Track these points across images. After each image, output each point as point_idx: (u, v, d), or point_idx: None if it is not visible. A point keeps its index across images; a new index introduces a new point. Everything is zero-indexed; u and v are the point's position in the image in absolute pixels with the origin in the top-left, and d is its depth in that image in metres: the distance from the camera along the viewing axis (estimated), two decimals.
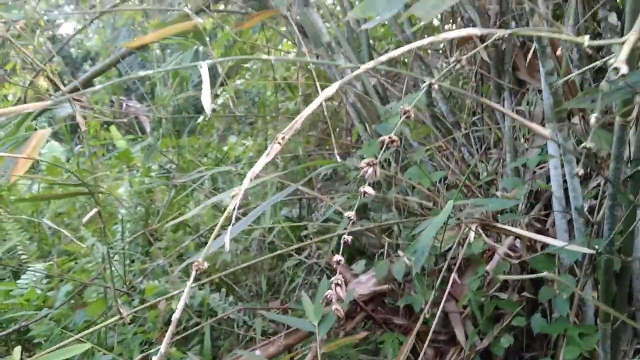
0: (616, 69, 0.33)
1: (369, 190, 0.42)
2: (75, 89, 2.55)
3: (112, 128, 3.29)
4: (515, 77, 1.47)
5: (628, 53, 0.34)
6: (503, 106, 1.48)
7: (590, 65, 0.91)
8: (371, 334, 1.37)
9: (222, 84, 3.66)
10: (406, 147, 1.73)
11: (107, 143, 3.25)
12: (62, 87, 2.52)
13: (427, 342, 0.96)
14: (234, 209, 0.46)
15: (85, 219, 0.74)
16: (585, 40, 0.42)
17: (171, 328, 0.45)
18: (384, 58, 0.60)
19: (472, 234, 0.98)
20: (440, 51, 1.73)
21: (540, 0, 1.12)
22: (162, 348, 0.42)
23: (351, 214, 0.43)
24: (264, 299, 1.84)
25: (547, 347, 1.29)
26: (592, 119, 0.38)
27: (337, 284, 0.42)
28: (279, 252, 1.20)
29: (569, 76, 0.96)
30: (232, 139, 3.27)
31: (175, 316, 0.42)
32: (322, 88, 2.01)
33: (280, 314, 1.28)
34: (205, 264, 0.50)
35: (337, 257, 0.42)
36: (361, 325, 1.37)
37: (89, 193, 1.06)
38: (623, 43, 0.36)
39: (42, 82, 3.36)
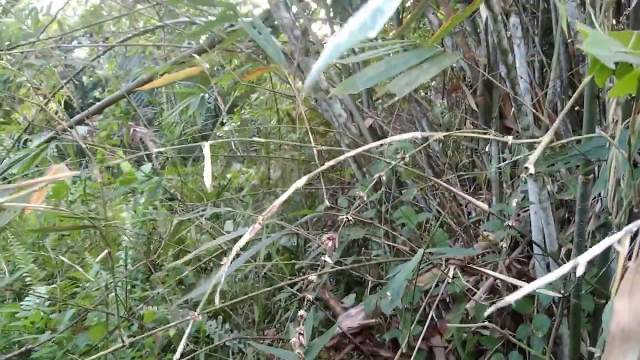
0: (527, 168, 0.43)
1: (329, 260, 0.52)
2: (86, 116, 2.67)
3: (119, 152, 3.41)
4: (502, 124, 1.58)
5: (539, 155, 0.44)
6: (490, 152, 1.58)
7: (510, 160, 1.02)
8: None
9: (228, 113, 3.79)
10: (403, 184, 1.83)
11: (112, 167, 3.37)
12: (71, 112, 2.64)
13: None
14: (233, 258, 0.55)
15: (98, 259, 0.83)
16: (509, 139, 0.52)
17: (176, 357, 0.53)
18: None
19: (450, 274, 1.06)
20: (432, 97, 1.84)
21: (520, 60, 1.22)
22: None
23: (314, 277, 0.52)
24: (260, 327, 1.92)
25: None
26: (524, 174, 0.46)
27: (300, 334, 0.51)
28: (273, 287, 1.29)
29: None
30: (236, 167, 3.38)
31: (179, 349, 0.50)
32: (321, 124, 2.11)
33: (272, 344, 1.36)
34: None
35: (302, 312, 0.51)
36: (349, 357, 1.44)
37: (95, 227, 1.16)
38: (538, 143, 0.45)
39: (53, 105, 3.50)
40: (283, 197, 0.47)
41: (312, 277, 0.54)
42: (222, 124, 3.69)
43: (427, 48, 0.82)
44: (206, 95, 1.32)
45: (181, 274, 1.63)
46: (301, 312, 0.51)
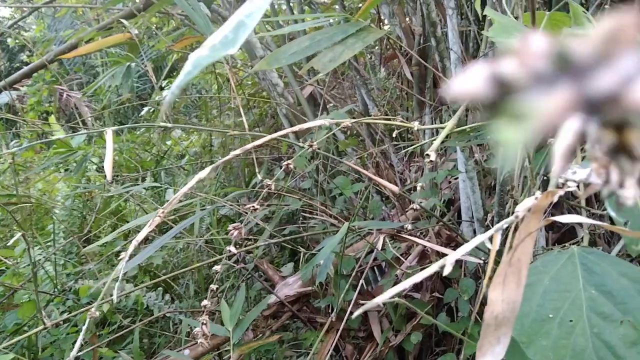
0: (428, 155, 0.44)
1: (233, 249, 0.52)
2: (13, 81, 2.52)
3: (51, 119, 3.25)
4: (436, 93, 1.61)
5: (439, 144, 0.45)
6: (424, 121, 1.62)
7: (417, 145, 1.04)
8: (295, 332, 1.47)
9: (168, 76, 3.66)
10: (341, 154, 1.84)
11: (45, 134, 3.21)
12: None
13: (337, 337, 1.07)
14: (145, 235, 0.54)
15: (10, 242, 0.80)
16: (415, 125, 0.53)
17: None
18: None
19: (380, 243, 1.10)
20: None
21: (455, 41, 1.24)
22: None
23: (231, 248, 0.53)
24: (201, 298, 1.92)
25: (454, 343, 1.45)
26: (428, 157, 0.48)
27: (203, 324, 0.51)
28: (211, 260, 1.29)
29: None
30: (176, 134, 3.30)
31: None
32: (264, 89, 2.06)
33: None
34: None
35: (216, 267, 0.52)
36: (287, 324, 1.48)
37: (23, 203, 1.11)
38: (442, 129, 0.47)
39: None
40: (193, 182, 0.47)
41: (216, 267, 0.54)
42: (161, 88, 3.57)
43: (352, 23, 0.81)
44: (133, 65, 1.27)
45: (115, 247, 1.60)
46: (216, 267, 0.52)
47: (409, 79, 1.55)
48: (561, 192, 0.28)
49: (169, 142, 3.17)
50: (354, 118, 1.88)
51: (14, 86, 2.95)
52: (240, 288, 1.07)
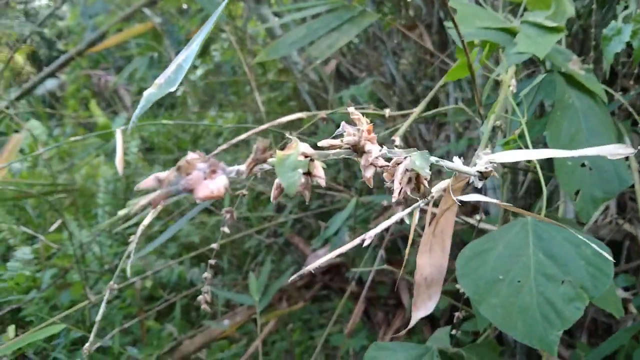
0: (394, 140, 0.52)
1: (227, 230, 0.62)
2: (54, 69, 2.69)
3: (92, 105, 3.45)
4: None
5: (407, 127, 0.53)
6: (448, 90, 1.66)
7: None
8: (328, 301, 1.59)
9: (200, 56, 3.78)
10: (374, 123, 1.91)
11: (87, 122, 3.41)
12: (39, 65, 2.66)
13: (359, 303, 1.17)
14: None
15: (51, 229, 0.93)
16: (387, 112, 0.60)
17: None
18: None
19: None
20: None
21: None
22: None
23: (215, 245, 0.63)
24: (241, 272, 2.06)
25: None
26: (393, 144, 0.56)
27: (205, 293, 0.62)
28: (240, 234, 1.41)
29: None
30: (212, 113, 3.43)
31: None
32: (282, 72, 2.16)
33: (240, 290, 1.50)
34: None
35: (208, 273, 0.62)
36: (318, 294, 1.59)
37: (65, 190, 1.25)
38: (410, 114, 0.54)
39: (19, 59, 3.50)
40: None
41: (214, 245, 0.64)
42: (195, 67, 3.69)
43: (347, 10, 0.88)
44: (155, 55, 1.37)
45: (152, 228, 1.75)
46: (224, 228, 0.62)
47: (430, 48, 1.59)
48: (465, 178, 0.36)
49: (205, 121, 3.31)
50: (379, 90, 1.94)
51: (55, 74, 3.14)
52: (265, 261, 1.18)
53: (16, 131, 1.43)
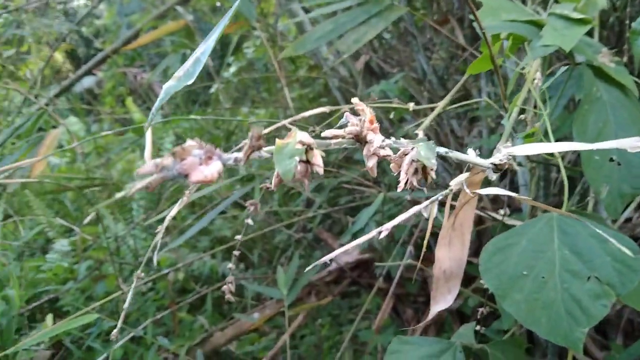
0: (416, 134, 0.52)
1: (250, 222, 0.63)
2: (92, 67, 2.76)
3: (128, 101, 3.53)
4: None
5: (430, 121, 0.53)
6: (480, 84, 1.64)
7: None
8: (358, 297, 1.59)
9: (233, 53, 3.82)
10: (394, 123, 1.90)
11: (123, 117, 3.49)
12: (77, 63, 2.74)
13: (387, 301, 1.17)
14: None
15: (85, 221, 0.96)
16: (411, 105, 0.60)
17: None
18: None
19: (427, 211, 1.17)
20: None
21: None
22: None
23: (249, 221, 0.64)
24: (271, 266, 2.09)
25: None
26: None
27: (229, 283, 0.63)
28: (269, 228, 1.43)
29: None
30: (244, 109, 3.46)
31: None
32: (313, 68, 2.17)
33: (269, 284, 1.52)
34: None
35: (248, 220, 0.63)
36: (348, 289, 1.60)
37: (102, 184, 1.29)
38: (433, 109, 0.54)
39: (59, 57, 3.60)
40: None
41: (238, 237, 0.65)
42: (229, 65, 3.73)
43: (375, 3, 0.88)
44: (188, 52, 1.40)
45: (185, 221, 1.79)
46: (248, 220, 0.63)
47: (461, 43, 1.58)
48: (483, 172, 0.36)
49: (239, 118, 3.34)
50: (410, 85, 1.93)
51: (92, 71, 3.23)
52: (294, 256, 1.19)
53: (54, 127, 1.48)
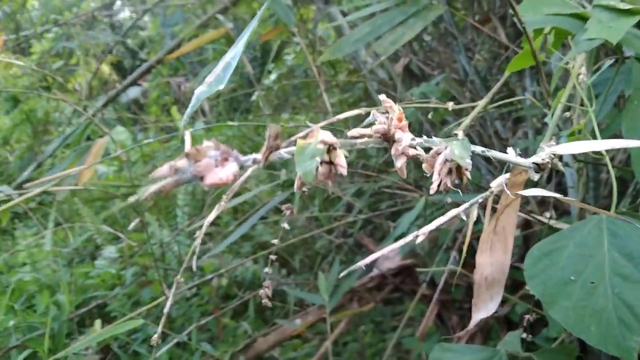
0: (456, 134, 0.50)
1: (286, 226, 0.62)
2: (137, 77, 2.84)
3: (173, 110, 3.61)
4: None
5: (471, 120, 0.51)
6: (524, 83, 1.59)
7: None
8: (401, 304, 1.57)
9: (273, 60, 3.86)
10: (436, 125, 1.87)
11: (168, 126, 3.57)
12: (124, 74, 2.82)
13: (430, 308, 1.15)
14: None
15: (130, 227, 0.98)
16: (449, 105, 0.58)
17: None
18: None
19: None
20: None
21: None
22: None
23: (285, 225, 0.63)
24: (315, 271, 2.09)
25: None
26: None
27: (266, 287, 0.62)
28: (309, 233, 1.43)
29: None
30: (284, 116, 3.49)
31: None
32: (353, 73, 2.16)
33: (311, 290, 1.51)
34: None
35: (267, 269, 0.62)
36: (390, 295, 1.58)
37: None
38: (474, 107, 0.52)
39: (105, 69, 3.72)
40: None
41: (275, 240, 0.65)
42: (269, 72, 3.77)
43: (412, 4, 0.87)
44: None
45: (228, 227, 1.80)
46: (284, 224, 0.63)
47: (504, 41, 1.54)
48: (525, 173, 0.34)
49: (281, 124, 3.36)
50: (452, 87, 1.89)
51: (138, 82, 3.33)
52: (335, 261, 1.19)
53: (101, 136, 1.53)
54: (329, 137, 0.31)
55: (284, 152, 0.32)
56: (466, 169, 0.32)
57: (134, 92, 3.81)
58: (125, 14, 4.33)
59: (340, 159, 0.31)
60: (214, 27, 1.77)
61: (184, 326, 1.64)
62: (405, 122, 0.33)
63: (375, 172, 1.54)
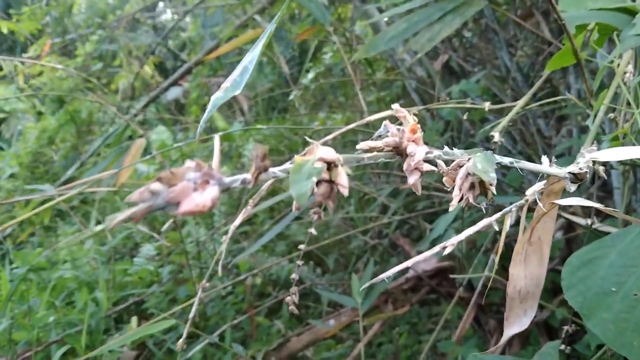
0: (492, 136, 0.48)
1: (313, 231, 0.61)
2: (178, 78, 2.89)
3: None
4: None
5: (509, 121, 0.48)
6: (568, 81, 1.53)
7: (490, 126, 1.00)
8: (437, 305, 1.54)
9: (311, 60, 3.86)
10: (476, 123, 1.82)
11: (207, 126, 3.62)
12: (166, 75, 2.87)
13: (468, 312, 1.12)
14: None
15: (163, 228, 0.99)
16: (487, 105, 0.56)
17: None
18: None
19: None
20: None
21: None
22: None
23: (311, 230, 0.62)
24: (350, 271, 2.07)
25: None
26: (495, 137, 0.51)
27: (293, 294, 0.61)
28: (343, 234, 1.41)
29: None
30: (321, 114, 3.48)
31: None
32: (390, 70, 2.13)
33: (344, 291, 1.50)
34: None
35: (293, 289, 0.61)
36: (426, 297, 1.54)
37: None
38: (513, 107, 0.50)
39: (148, 70, 3.80)
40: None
41: (301, 246, 0.64)
42: (307, 71, 3.77)
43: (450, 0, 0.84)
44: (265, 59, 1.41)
45: (263, 226, 1.81)
46: (311, 229, 0.62)
47: (547, 37, 1.49)
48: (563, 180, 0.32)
49: (316, 123, 3.36)
50: (493, 84, 1.84)
51: (178, 82, 3.38)
52: (369, 262, 1.17)
53: (140, 136, 1.55)
54: (328, 154, 0.28)
55: (278, 171, 0.30)
56: (490, 184, 0.29)
57: (174, 93, 3.87)
58: (167, 16, 4.40)
59: (341, 177, 0.28)
60: (252, 27, 1.78)
61: (218, 324, 1.65)
62: (419, 134, 0.31)
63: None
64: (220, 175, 0.28)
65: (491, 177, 0.29)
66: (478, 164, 0.29)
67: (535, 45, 1.67)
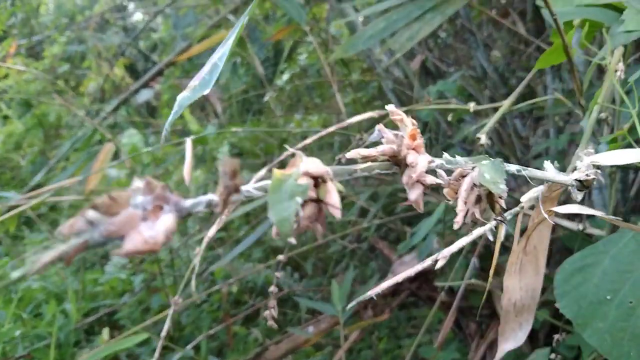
0: (479, 138, 0.46)
1: (293, 240, 0.58)
2: (148, 80, 2.83)
3: (185, 112, 3.59)
4: None
5: (494, 123, 0.47)
6: (545, 81, 1.54)
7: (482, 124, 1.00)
8: (416, 308, 1.52)
9: (286, 60, 3.82)
10: (453, 125, 1.82)
11: (180, 129, 3.55)
12: (137, 76, 2.81)
13: (451, 315, 1.10)
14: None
15: None
16: (471, 106, 0.54)
17: None
18: None
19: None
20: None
21: None
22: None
23: (281, 257, 0.59)
24: (329, 275, 2.04)
25: None
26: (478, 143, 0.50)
27: (271, 307, 0.58)
28: (322, 240, 1.39)
29: None
30: (297, 116, 3.45)
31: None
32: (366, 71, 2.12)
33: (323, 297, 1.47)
34: None
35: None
36: (407, 300, 1.53)
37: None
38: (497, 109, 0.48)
39: (118, 72, 3.72)
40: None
41: (280, 257, 0.61)
42: (282, 72, 3.73)
43: None
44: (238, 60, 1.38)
45: (239, 231, 1.77)
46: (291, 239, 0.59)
47: (524, 35, 1.49)
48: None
49: (292, 125, 3.33)
50: (469, 84, 1.84)
51: (149, 84, 3.31)
52: (349, 268, 1.14)
53: (109, 140, 1.50)
54: (315, 167, 0.23)
55: (252, 189, 0.24)
56: (500, 197, 0.26)
57: (145, 95, 3.79)
58: (138, 16, 4.32)
59: (332, 195, 0.23)
60: (226, 28, 1.74)
61: (193, 334, 1.61)
62: (420, 141, 0.27)
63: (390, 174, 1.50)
64: (178, 198, 0.22)
65: (502, 189, 0.25)
66: (485, 173, 0.26)
67: (511, 45, 1.68)
